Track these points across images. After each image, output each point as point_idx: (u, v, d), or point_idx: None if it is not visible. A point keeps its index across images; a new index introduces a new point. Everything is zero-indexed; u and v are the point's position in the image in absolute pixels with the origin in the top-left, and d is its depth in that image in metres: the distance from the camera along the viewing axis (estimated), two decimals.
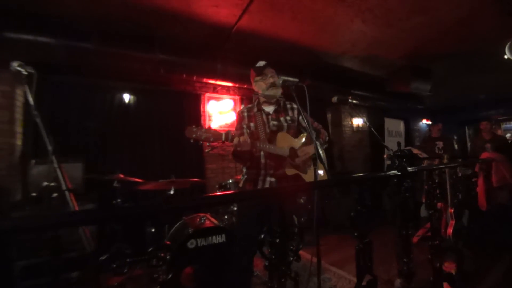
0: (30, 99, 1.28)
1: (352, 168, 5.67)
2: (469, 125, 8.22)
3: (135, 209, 0.73)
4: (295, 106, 1.94)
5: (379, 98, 5.23)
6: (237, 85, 4.12)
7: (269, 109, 1.87)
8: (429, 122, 7.96)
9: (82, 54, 2.73)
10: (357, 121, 5.95)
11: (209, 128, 1.48)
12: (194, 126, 1.45)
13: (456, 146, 3.94)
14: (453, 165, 2.30)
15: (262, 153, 1.74)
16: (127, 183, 2.65)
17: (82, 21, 2.73)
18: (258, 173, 1.76)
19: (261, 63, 1.90)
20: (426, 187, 1.90)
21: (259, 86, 1.88)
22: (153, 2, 2.55)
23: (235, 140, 1.50)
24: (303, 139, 1.85)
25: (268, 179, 1.74)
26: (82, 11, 2.64)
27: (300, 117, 1.91)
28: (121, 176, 2.60)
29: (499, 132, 7.07)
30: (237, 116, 1.95)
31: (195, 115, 4.08)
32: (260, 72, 1.88)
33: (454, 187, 2.69)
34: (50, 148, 1.19)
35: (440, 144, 4.23)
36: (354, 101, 4.92)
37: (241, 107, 4.33)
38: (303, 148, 1.78)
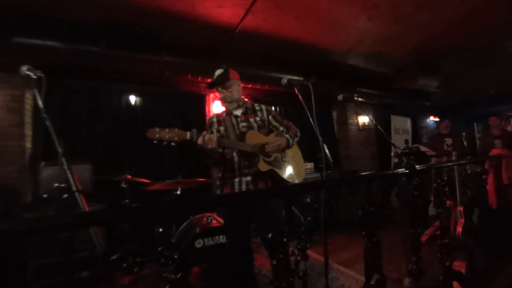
0: (40, 102, 1.30)
1: (359, 166, 5.62)
2: (478, 121, 8.08)
3: (144, 210, 0.74)
4: (263, 107, 1.96)
5: (385, 95, 5.17)
6: (241, 85, 4.12)
7: (238, 112, 1.89)
8: (437, 119, 7.84)
9: (90, 58, 2.76)
10: (363, 119, 5.89)
11: (173, 128, 1.44)
12: (157, 128, 1.41)
13: (465, 143, 3.86)
14: (462, 162, 2.27)
15: (234, 154, 1.75)
16: (134, 183, 2.68)
17: (89, 24, 2.77)
18: (233, 175, 1.76)
19: (217, 73, 1.87)
20: (434, 185, 1.88)
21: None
22: (158, 4, 2.57)
23: (200, 139, 1.46)
24: (274, 136, 1.85)
25: (244, 179, 1.74)
26: (89, 15, 2.67)
27: (270, 117, 1.92)
28: (129, 177, 2.63)
29: (509, 128, 6.92)
30: (206, 124, 1.94)
31: (201, 115, 4.10)
32: (213, 85, 1.88)
33: (463, 185, 2.65)
34: (60, 150, 1.22)
35: (449, 140, 4.17)
36: (360, 99, 4.88)
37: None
38: (275, 138, 1.77)
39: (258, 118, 1.87)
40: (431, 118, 7.99)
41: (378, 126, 2.19)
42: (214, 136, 1.50)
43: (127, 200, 2.68)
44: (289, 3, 2.68)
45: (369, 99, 5.07)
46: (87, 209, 1.12)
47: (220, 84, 1.83)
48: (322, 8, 2.81)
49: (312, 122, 1.66)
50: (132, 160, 3.46)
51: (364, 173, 1.34)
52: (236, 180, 1.74)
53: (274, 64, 3.78)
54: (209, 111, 4.18)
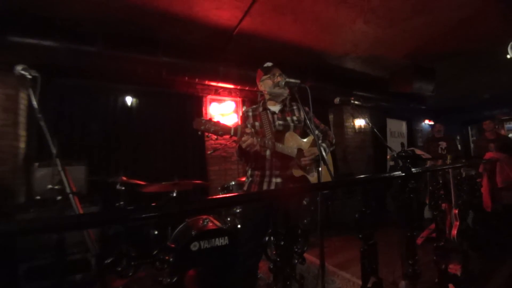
0: (34, 102, 1.28)
1: (355, 169, 5.65)
2: (472, 125, 8.18)
3: (141, 212, 0.73)
4: (301, 106, 1.91)
5: (381, 99, 5.21)
6: (238, 87, 4.12)
7: (275, 108, 1.85)
8: (432, 123, 7.93)
9: (86, 57, 2.74)
10: (359, 122, 5.92)
11: (218, 122, 1.45)
12: (203, 118, 1.45)
13: (459, 146, 3.91)
14: (457, 165, 2.29)
15: (268, 152, 1.71)
16: (130, 185, 2.65)
17: (85, 24, 2.75)
18: (263, 174, 1.73)
19: (269, 64, 1.90)
20: (430, 188, 1.89)
21: (266, 84, 1.86)
22: (155, 5, 2.56)
23: (245, 137, 1.47)
24: (311, 140, 1.82)
25: (274, 180, 1.70)
26: (86, 15, 2.65)
27: (307, 118, 1.91)
28: (124, 178, 2.60)
29: (503, 131, 7.02)
30: (241, 116, 1.92)
31: (197, 117, 4.08)
32: (268, 71, 1.86)
33: (458, 188, 2.67)
34: (54, 151, 1.20)
35: (443, 144, 4.21)
36: (356, 102, 4.90)
37: (244, 108, 4.33)
38: (310, 148, 1.74)
39: (295, 118, 1.83)
40: (426, 121, 8.07)
41: (374, 129, 2.20)
42: (257, 142, 1.50)
43: (122, 202, 2.64)
44: (286, 6, 2.69)
45: (365, 102, 5.10)
46: (81, 211, 1.11)
47: (267, 72, 1.84)
48: (319, 11, 2.83)
49: (309, 124, 1.66)
50: (128, 162, 3.43)
51: (360, 176, 1.34)
52: (266, 179, 1.71)
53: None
54: (206, 113, 4.17)
